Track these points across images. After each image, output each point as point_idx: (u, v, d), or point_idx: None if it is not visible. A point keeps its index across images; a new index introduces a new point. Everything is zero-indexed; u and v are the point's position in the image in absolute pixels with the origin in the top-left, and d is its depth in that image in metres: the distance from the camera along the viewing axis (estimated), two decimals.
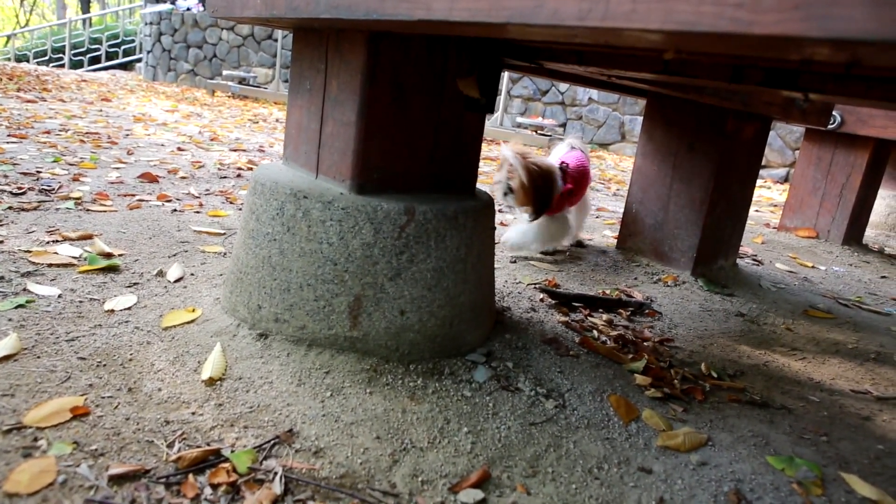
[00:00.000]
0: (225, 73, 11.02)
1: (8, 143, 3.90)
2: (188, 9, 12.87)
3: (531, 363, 1.55)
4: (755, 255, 3.19)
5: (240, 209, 2.84)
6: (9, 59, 16.62)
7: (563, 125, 9.15)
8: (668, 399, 1.49)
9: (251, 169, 3.88)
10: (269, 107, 9.39)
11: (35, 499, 0.92)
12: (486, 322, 1.63)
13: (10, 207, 2.48)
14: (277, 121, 7.37)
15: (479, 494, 1.06)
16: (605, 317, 1.98)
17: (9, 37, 19.13)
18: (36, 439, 1.05)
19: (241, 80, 10.60)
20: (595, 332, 1.82)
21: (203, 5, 13.18)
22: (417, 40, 1.38)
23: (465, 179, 1.60)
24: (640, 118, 8.53)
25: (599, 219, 3.71)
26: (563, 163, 2.51)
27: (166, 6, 13.23)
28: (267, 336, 1.44)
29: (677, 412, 1.44)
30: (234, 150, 4.62)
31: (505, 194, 2.37)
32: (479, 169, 3.42)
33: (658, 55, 1.46)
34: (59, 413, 1.11)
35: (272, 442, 1.11)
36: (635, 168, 2.70)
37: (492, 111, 1.59)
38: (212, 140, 5.07)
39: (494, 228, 1.64)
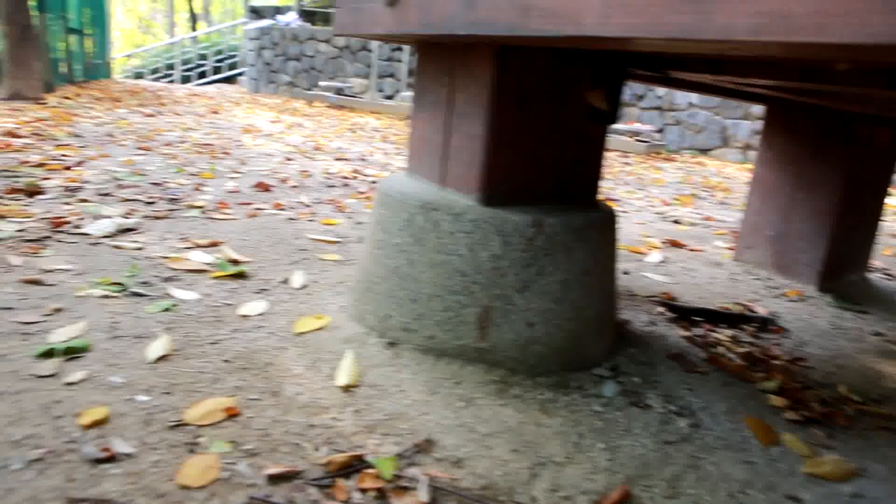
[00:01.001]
0: (322, 83, 11.40)
1: (137, 155, 4.19)
2: (288, 24, 13.41)
3: (658, 379, 1.51)
4: (887, 269, 2.99)
5: (349, 217, 2.93)
6: (128, 77, 17.88)
7: (660, 130, 8.91)
8: (808, 423, 1.42)
9: (356, 178, 4.00)
10: (364, 116, 9.64)
11: (204, 492, 0.98)
12: (609, 335, 1.61)
13: (145, 216, 2.66)
14: (374, 130, 7.55)
15: None
16: (728, 332, 1.90)
17: (128, 56, 20.55)
18: (197, 436, 1.12)
19: (338, 91, 10.94)
20: (721, 349, 1.75)
21: (301, 19, 13.71)
22: (545, 53, 1.39)
23: (588, 191, 1.58)
24: (743, 122, 8.18)
25: (708, 229, 3.58)
26: None
27: (268, 22, 13.83)
28: (396, 345, 1.47)
29: (820, 437, 1.36)
30: (338, 160, 4.77)
31: None
32: None
33: (797, 63, 1.40)
34: (214, 412, 1.18)
35: (412, 450, 1.14)
36: (754, 177, 2.59)
37: (614, 121, 1.57)
38: (315, 150, 5.26)
39: (616, 240, 1.62)
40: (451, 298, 1.40)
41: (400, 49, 11.32)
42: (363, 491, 1.02)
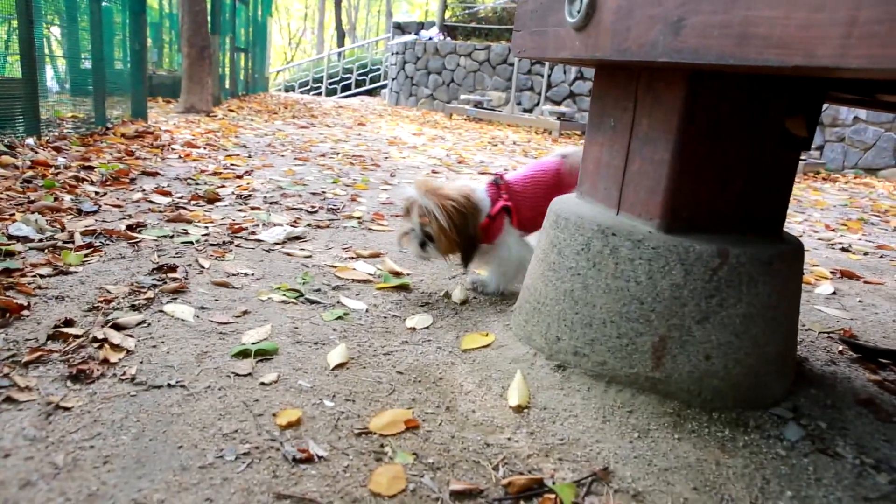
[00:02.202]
0: (462, 96, 11.63)
1: (296, 165, 4.48)
2: (430, 38, 13.82)
3: (847, 426, 1.40)
4: None
5: None
6: (280, 90, 19.17)
7: (821, 148, 8.27)
8: None
9: None
10: (503, 129, 9.72)
11: (394, 501, 1.03)
12: (789, 374, 1.51)
13: (308, 225, 2.84)
14: (514, 143, 7.59)
15: None
16: None
17: (278, 71, 22.07)
18: (381, 445, 1.17)
19: (477, 104, 11.11)
20: None
21: (443, 34, 14.08)
22: (739, 79, 1.33)
23: (774, 221, 1.50)
24: None
25: (884, 259, 3.28)
26: (497, 175, 2.05)
27: (411, 37, 14.33)
28: (565, 368, 1.47)
29: None
30: (482, 173, 4.83)
31: (422, 245, 1.92)
32: None
33: None
34: (395, 423, 1.23)
35: (590, 478, 1.13)
36: None
37: (809, 147, 1.48)
38: (459, 163, 5.37)
39: (803, 275, 1.52)
40: (627, 325, 1.38)
41: (541, 63, 11.32)
42: None
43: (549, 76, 11.22)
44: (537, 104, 11.33)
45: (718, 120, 1.35)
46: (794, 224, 4.14)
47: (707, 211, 1.41)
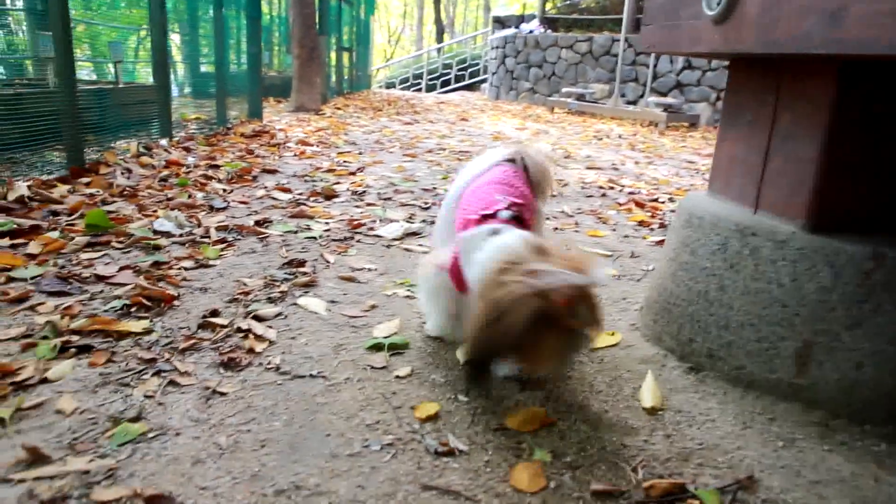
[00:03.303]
0: (564, 90, 11.47)
1: (405, 161, 4.58)
2: (531, 31, 13.71)
3: None
4: None
5: (613, 230, 2.91)
6: (381, 87, 19.62)
7: None
8: None
9: (612, 188, 3.96)
10: (607, 122, 9.51)
11: (536, 497, 1.04)
12: None
13: (423, 221, 2.90)
14: (620, 137, 7.42)
15: None
16: None
17: (379, 69, 22.58)
18: (519, 442, 1.19)
19: (579, 97, 10.93)
20: None
21: (544, 27, 13.92)
22: (893, 69, 1.25)
23: None
24: None
25: None
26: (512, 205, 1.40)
27: (511, 31, 14.26)
28: (698, 370, 1.43)
29: None
30: (590, 168, 4.76)
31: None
32: None
33: None
34: (531, 420, 1.25)
35: (735, 486, 1.10)
36: None
37: None
38: (566, 158, 5.31)
39: None
40: (767, 329, 1.33)
41: (647, 54, 10.98)
42: None
43: (655, 66, 10.87)
44: (642, 96, 11.01)
45: (872, 114, 1.27)
46: None
47: (857, 210, 1.33)
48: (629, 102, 11.19)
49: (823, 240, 1.28)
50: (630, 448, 1.19)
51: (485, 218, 1.34)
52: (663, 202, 3.61)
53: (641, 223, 3.07)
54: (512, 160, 1.60)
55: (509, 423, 1.24)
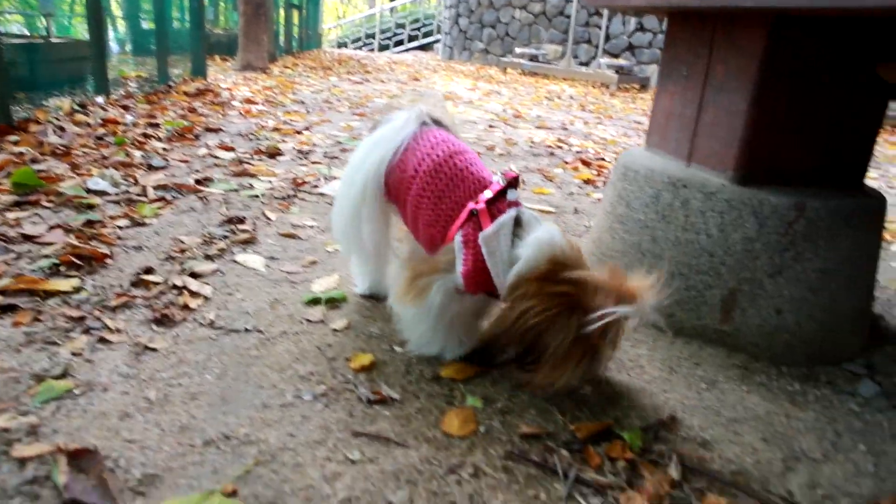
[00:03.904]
0: (517, 50, 11.40)
1: (353, 120, 4.51)
2: None
3: None
4: None
5: (560, 188, 2.93)
6: (332, 46, 19.16)
7: None
8: None
9: (560, 147, 3.98)
10: (559, 83, 9.52)
11: (466, 441, 1.06)
12: (863, 331, 1.47)
13: None
14: (571, 98, 7.44)
15: None
16: None
17: (331, 28, 22.00)
18: (452, 390, 1.21)
19: (532, 58, 10.89)
20: None
21: None
22: (827, 23, 1.27)
23: (855, 173, 1.45)
24: None
25: None
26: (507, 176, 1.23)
27: None
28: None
29: None
30: (540, 128, 4.77)
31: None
32: None
33: None
34: (465, 369, 1.26)
35: (657, 426, 1.14)
36: None
37: None
38: (516, 118, 5.30)
39: (884, 230, 1.47)
40: (696, 278, 1.36)
41: (599, 14, 10.97)
42: (613, 460, 1.05)
43: (608, 28, 10.88)
44: (594, 57, 11.03)
45: (801, 67, 1.30)
46: (869, 180, 3.96)
47: (784, 162, 1.37)
48: (582, 63, 11.20)
49: (750, 191, 1.31)
50: (561, 394, 1.22)
51: (491, 204, 1.17)
52: (609, 161, 3.65)
53: (587, 181, 3.10)
54: (424, 123, 1.33)
55: (444, 372, 1.26)
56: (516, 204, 1.18)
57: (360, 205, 1.33)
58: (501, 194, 1.18)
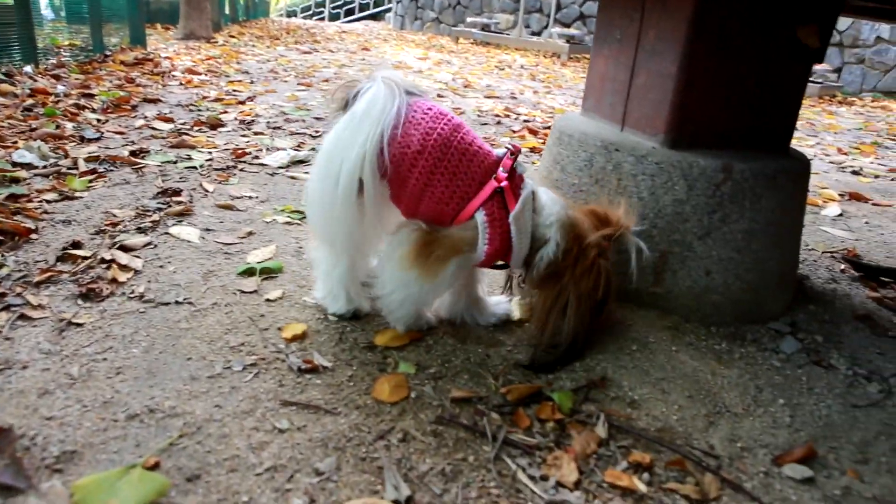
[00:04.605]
0: (468, 19, 11.29)
1: (299, 90, 4.41)
2: None
3: (842, 339, 1.42)
4: None
5: None
6: (282, 15, 18.66)
7: (838, 70, 8.04)
8: None
9: (508, 116, 3.97)
10: (511, 53, 9.48)
11: (396, 407, 1.06)
12: (789, 290, 1.52)
13: (313, 149, 2.82)
14: (522, 67, 7.43)
15: (806, 471, 1.01)
16: None
17: None
18: (385, 357, 1.20)
19: (484, 27, 10.80)
20: None
21: None
22: None
23: (781, 136, 1.48)
24: None
25: None
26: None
27: None
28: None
29: None
30: (488, 98, 4.75)
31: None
32: None
33: None
34: (399, 337, 1.26)
35: (588, 387, 1.16)
36: None
37: (821, 59, 1.44)
38: (465, 87, 5.27)
39: (808, 191, 1.51)
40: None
41: None
42: (542, 421, 1.06)
43: None
44: (546, 27, 11.00)
45: (728, 31, 1.31)
46: (806, 147, 4.08)
47: (714, 125, 1.39)
48: (533, 33, 11.17)
49: (680, 154, 1.33)
50: (494, 358, 1.23)
51: (510, 181, 1.18)
52: None
53: (533, 149, 3.10)
54: (410, 93, 1.23)
55: (377, 340, 1.25)
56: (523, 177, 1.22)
57: (351, 188, 1.16)
58: (513, 169, 1.20)
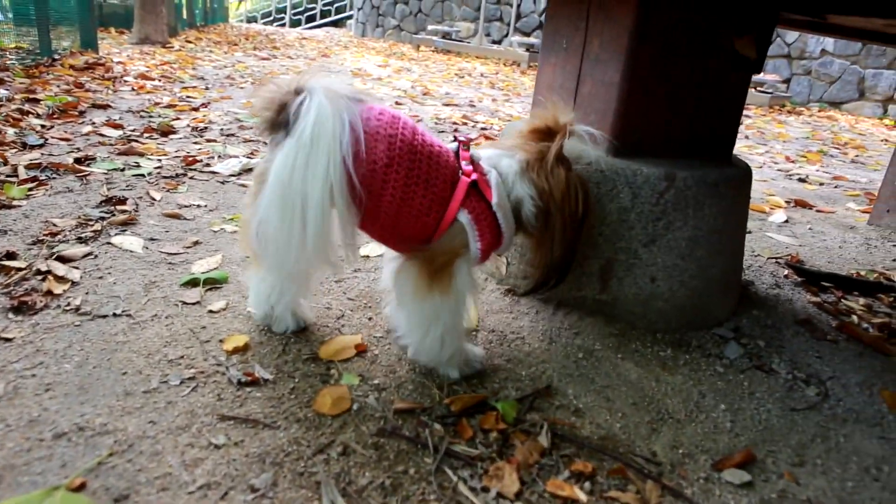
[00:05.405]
0: (429, 27, 11.33)
1: (255, 98, 4.35)
2: None
3: (784, 344, 1.45)
4: None
5: None
6: (242, 21, 18.44)
7: (787, 81, 8.29)
8: None
9: (465, 123, 3.98)
10: (471, 61, 9.53)
11: (338, 420, 1.04)
12: (733, 296, 1.55)
13: (264, 143, 2.77)
14: (482, 75, 7.47)
15: (744, 476, 1.02)
16: (861, 301, 1.79)
17: (241, 1, 21.13)
18: (329, 369, 1.18)
19: (445, 35, 10.84)
20: (853, 318, 1.65)
21: None
22: None
23: (723, 145, 1.51)
24: (886, 72, 7.47)
25: (839, 189, 3.34)
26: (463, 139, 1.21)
27: None
28: (514, 292, 1.48)
29: None
30: (447, 105, 4.76)
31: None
32: None
33: None
34: (345, 349, 1.24)
35: (532, 396, 1.15)
36: None
37: (759, 70, 1.47)
38: (424, 94, 5.27)
39: (750, 199, 1.54)
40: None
41: None
42: (486, 431, 1.05)
43: (519, 6, 10.95)
44: (506, 35, 11.10)
45: (669, 40, 1.33)
46: (755, 155, 4.18)
47: (657, 134, 1.40)
48: (494, 42, 11.26)
49: (624, 162, 1.34)
50: (439, 370, 1.22)
51: (472, 170, 1.14)
52: None
53: None
54: (359, 101, 1.10)
55: (322, 352, 1.23)
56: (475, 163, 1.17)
57: (323, 226, 1.03)
58: (472, 159, 1.16)
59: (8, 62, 4.35)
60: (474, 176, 1.12)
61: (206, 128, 3.25)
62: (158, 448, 0.94)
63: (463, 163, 1.14)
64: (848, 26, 1.66)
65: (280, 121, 1.04)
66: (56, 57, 4.97)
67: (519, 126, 1.24)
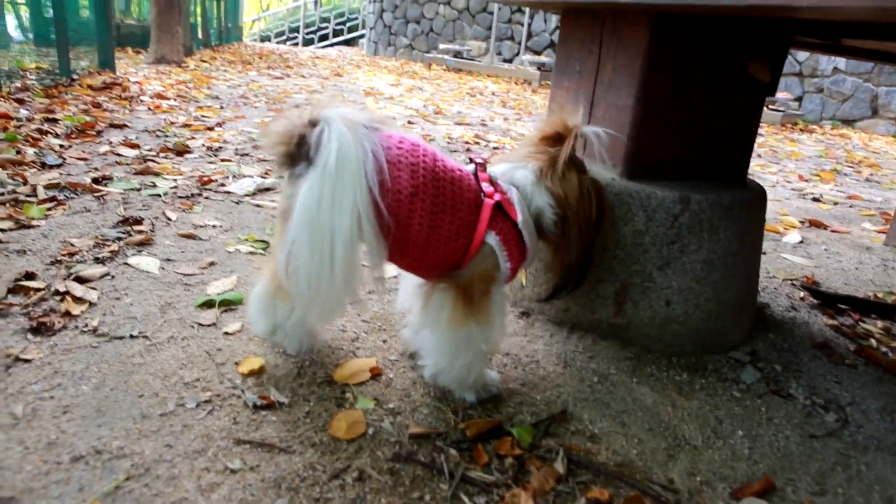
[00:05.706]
0: (441, 46, 11.41)
1: (269, 116, 4.40)
2: None
3: (801, 368, 1.44)
4: None
5: None
6: (255, 40, 18.68)
7: (798, 99, 8.27)
8: None
9: (478, 143, 4.00)
10: (483, 80, 9.59)
11: (353, 445, 1.04)
12: (748, 319, 1.54)
13: (280, 176, 2.80)
14: (493, 94, 7.51)
15: None
16: (879, 324, 1.77)
17: (253, 20, 21.39)
18: (343, 392, 1.18)
19: (456, 54, 10.92)
20: (872, 341, 1.63)
21: None
22: (705, 21, 1.31)
23: (737, 167, 1.51)
24: None
25: (854, 209, 3.32)
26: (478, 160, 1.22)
27: None
28: (529, 315, 1.48)
29: None
30: (459, 124, 4.79)
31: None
32: None
33: None
34: (360, 372, 1.24)
35: (548, 421, 1.15)
36: None
37: (773, 93, 1.47)
38: (436, 114, 5.30)
39: (765, 221, 1.53)
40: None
41: (521, 11, 11.11)
42: (501, 457, 1.05)
43: (530, 25, 11.02)
44: (517, 54, 11.17)
45: (682, 65, 1.33)
46: (768, 174, 4.17)
47: (671, 157, 1.41)
48: (505, 60, 11.33)
49: (638, 185, 1.34)
50: (453, 392, 1.22)
51: (494, 190, 1.14)
52: None
53: None
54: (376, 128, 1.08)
55: (336, 375, 1.23)
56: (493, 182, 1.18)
57: (353, 260, 1.03)
58: (492, 179, 1.17)
59: (28, 82, 4.43)
60: (497, 196, 1.13)
61: (220, 147, 3.29)
62: (175, 472, 0.95)
63: (483, 184, 1.14)
64: (861, 48, 1.66)
65: (300, 154, 1.02)
66: (75, 77, 5.05)
67: (530, 134, 1.26)
